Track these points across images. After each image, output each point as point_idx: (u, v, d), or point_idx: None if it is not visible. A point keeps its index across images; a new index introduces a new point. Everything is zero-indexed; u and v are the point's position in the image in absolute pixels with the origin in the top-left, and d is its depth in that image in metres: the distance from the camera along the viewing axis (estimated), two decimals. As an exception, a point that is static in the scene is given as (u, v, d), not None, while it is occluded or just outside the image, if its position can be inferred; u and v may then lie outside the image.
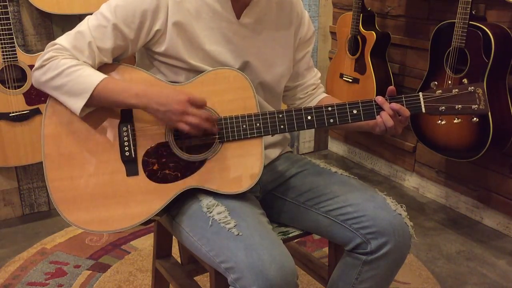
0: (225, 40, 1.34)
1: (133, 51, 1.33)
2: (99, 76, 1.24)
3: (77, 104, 1.23)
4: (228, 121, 1.28)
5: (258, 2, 1.35)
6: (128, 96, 1.23)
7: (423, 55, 2.63)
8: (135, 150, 1.28)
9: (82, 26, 1.28)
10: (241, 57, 1.35)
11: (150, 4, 1.27)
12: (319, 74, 1.58)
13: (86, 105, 1.23)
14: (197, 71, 1.31)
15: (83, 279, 2.07)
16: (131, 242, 2.35)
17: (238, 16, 1.35)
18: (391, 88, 1.28)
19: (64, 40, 1.27)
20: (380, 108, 1.27)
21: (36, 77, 1.27)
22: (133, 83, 1.27)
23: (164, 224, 1.51)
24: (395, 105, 1.26)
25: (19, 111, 2.31)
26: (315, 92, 1.56)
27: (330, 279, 1.40)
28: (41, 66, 1.26)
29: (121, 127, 1.28)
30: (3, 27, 2.19)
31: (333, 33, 3.28)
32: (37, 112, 2.35)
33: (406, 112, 1.26)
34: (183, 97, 1.21)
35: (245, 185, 1.28)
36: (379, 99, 1.27)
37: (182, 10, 1.29)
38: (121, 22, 1.26)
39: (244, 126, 1.28)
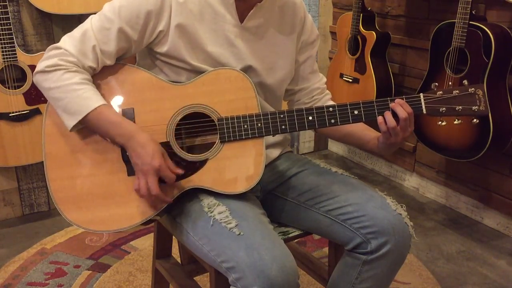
0: (228, 42, 1.34)
1: (136, 51, 1.33)
2: (96, 102, 1.22)
3: (68, 122, 1.22)
4: (230, 121, 1.28)
5: (262, 6, 1.35)
6: (116, 134, 1.22)
7: (423, 55, 2.63)
8: (136, 150, 1.28)
9: (86, 27, 1.26)
10: (243, 60, 1.35)
11: (155, 5, 1.26)
12: (324, 79, 1.56)
13: (78, 124, 1.23)
14: (199, 72, 1.31)
15: (83, 279, 2.07)
16: (131, 242, 2.35)
17: (242, 19, 1.35)
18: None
19: (69, 44, 1.25)
20: (381, 109, 1.27)
21: (38, 81, 1.26)
22: (125, 120, 1.24)
23: (165, 224, 1.51)
24: (398, 100, 1.25)
25: (19, 111, 2.31)
26: (321, 97, 1.54)
27: (330, 279, 1.40)
28: (44, 72, 1.24)
29: (122, 127, 1.28)
30: (3, 27, 2.19)
31: (333, 33, 3.28)
32: (37, 112, 2.34)
33: (407, 108, 1.25)
34: (155, 164, 1.19)
35: (246, 185, 1.28)
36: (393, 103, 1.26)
37: (185, 11, 1.29)
38: (125, 24, 1.25)
39: (245, 126, 1.28)
